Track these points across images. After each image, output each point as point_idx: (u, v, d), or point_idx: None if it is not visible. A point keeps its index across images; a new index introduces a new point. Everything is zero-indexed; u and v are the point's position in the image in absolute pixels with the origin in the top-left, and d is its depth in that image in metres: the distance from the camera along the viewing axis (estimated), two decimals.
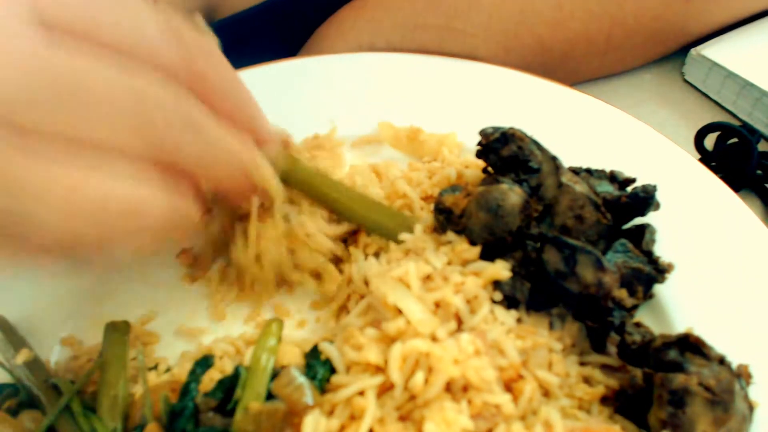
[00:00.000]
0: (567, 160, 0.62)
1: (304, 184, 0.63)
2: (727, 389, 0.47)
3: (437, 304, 0.54)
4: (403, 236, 0.60)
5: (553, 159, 0.61)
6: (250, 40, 0.90)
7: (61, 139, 0.41)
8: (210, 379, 0.53)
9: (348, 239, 0.66)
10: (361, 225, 0.64)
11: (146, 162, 0.45)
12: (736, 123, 0.81)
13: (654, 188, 0.61)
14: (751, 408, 0.49)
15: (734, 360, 0.51)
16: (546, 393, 0.53)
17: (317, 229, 0.62)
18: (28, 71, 0.39)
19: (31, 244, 0.43)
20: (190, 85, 0.48)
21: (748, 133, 0.76)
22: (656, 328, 0.57)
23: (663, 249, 0.61)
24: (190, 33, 0.49)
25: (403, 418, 0.49)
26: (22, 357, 0.55)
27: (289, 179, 0.61)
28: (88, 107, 0.41)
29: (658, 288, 0.60)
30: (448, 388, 0.49)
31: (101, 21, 0.43)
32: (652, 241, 0.61)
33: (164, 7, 0.48)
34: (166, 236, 0.48)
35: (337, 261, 0.64)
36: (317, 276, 0.64)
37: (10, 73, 0.38)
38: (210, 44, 0.51)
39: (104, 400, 0.53)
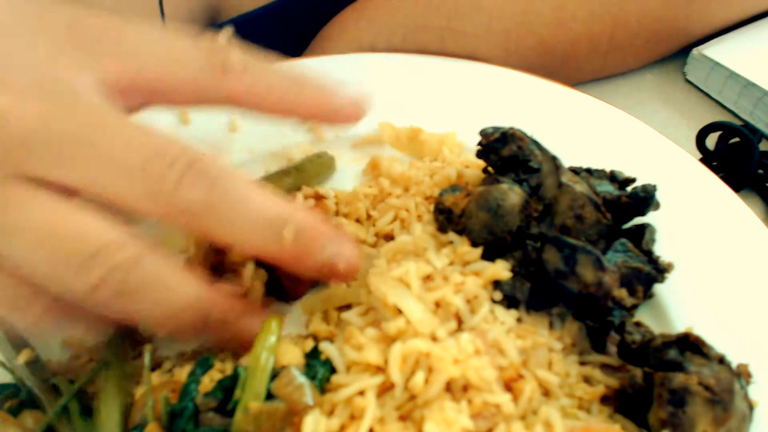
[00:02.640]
0: (567, 160, 0.62)
1: None
2: (726, 388, 0.47)
3: (437, 304, 0.54)
4: (404, 237, 0.60)
5: (553, 159, 0.61)
6: (254, 42, 0.90)
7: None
8: (210, 379, 0.53)
9: None
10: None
11: None
12: (738, 123, 0.81)
13: (654, 188, 0.61)
14: (750, 407, 0.49)
15: (734, 360, 0.51)
16: (546, 393, 0.52)
17: None
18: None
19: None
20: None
21: (749, 132, 0.76)
22: (656, 328, 0.56)
23: (663, 249, 0.61)
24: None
25: (403, 418, 0.49)
26: (23, 357, 0.55)
27: None
28: None
29: (658, 288, 0.60)
30: (448, 387, 0.49)
31: None
32: (652, 240, 0.60)
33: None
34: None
35: None
36: None
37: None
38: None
39: (104, 400, 0.53)
